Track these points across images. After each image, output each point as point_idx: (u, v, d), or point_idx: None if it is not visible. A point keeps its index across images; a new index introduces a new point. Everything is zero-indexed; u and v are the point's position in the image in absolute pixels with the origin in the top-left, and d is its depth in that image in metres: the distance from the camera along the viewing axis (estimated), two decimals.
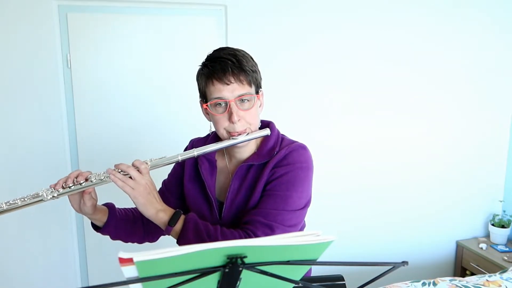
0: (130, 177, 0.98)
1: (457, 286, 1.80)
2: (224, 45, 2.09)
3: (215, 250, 0.56)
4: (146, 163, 1.02)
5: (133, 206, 1.22)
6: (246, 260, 0.60)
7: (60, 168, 2.05)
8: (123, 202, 1.20)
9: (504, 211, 2.78)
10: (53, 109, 2.01)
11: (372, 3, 2.32)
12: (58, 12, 1.96)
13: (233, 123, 1.01)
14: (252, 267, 0.61)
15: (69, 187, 0.99)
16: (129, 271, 0.56)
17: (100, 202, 1.13)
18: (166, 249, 0.54)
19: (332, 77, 2.34)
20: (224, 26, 2.15)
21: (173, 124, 2.16)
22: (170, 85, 2.13)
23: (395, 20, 2.38)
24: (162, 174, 1.23)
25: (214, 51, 1.06)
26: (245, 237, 0.98)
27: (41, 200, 0.98)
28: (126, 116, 2.11)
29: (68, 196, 1.02)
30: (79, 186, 0.99)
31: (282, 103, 2.23)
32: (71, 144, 2.08)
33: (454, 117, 2.60)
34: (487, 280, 1.86)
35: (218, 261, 0.59)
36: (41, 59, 1.95)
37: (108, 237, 1.15)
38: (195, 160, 1.13)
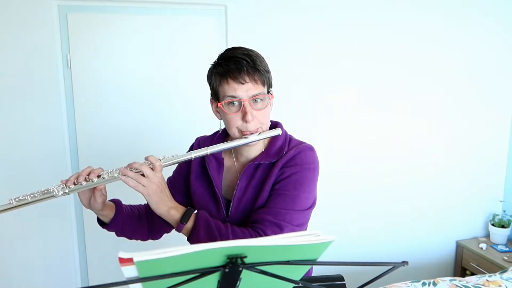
0: (142, 174, 0.98)
1: (457, 286, 1.80)
2: (224, 45, 2.10)
3: (215, 250, 0.56)
4: (160, 160, 1.02)
5: (138, 203, 1.23)
6: (246, 260, 0.60)
7: (60, 167, 2.05)
8: (132, 198, 1.20)
9: (504, 211, 2.78)
10: (53, 109, 2.01)
11: (373, 3, 2.32)
12: (58, 12, 1.96)
13: (247, 122, 1.01)
14: (252, 267, 0.61)
15: (81, 183, 0.98)
16: (129, 271, 0.56)
17: (108, 198, 1.12)
18: (166, 249, 0.54)
19: (332, 77, 2.34)
20: (224, 26, 2.15)
21: (174, 124, 2.16)
22: (170, 85, 2.13)
23: (396, 20, 2.38)
24: (165, 172, 1.23)
25: (227, 50, 1.06)
26: (255, 236, 0.99)
27: (52, 196, 0.98)
28: (127, 116, 2.11)
29: (78, 192, 1.01)
30: (90, 183, 0.99)
31: (283, 103, 2.22)
32: (71, 143, 2.08)
33: (455, 118, 2.60)
34: (487, 280, 1.86)
35: (218, 261, 0.59)
36: (41, 59, 1.95)
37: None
38: (202, 158, 1.13)
